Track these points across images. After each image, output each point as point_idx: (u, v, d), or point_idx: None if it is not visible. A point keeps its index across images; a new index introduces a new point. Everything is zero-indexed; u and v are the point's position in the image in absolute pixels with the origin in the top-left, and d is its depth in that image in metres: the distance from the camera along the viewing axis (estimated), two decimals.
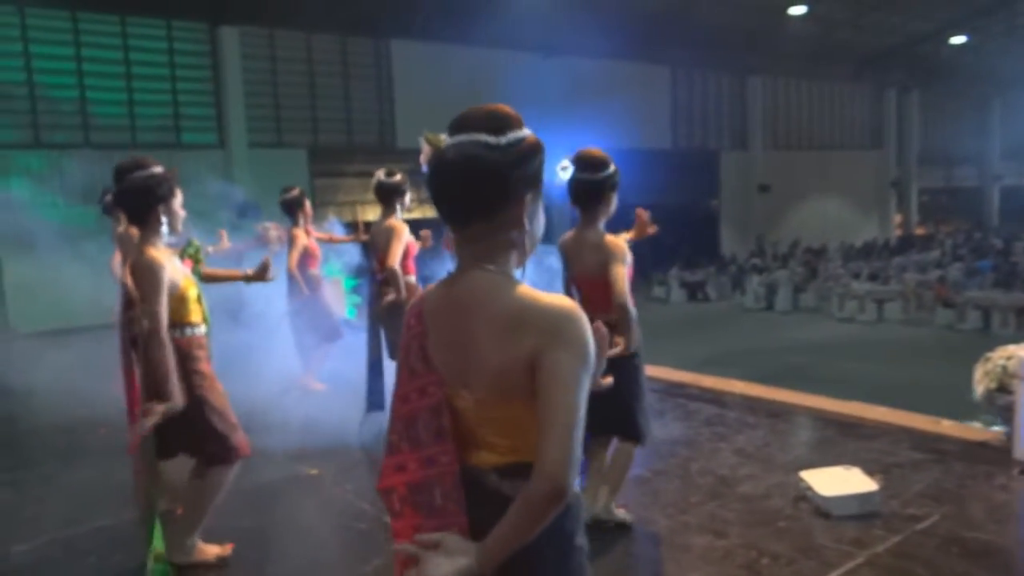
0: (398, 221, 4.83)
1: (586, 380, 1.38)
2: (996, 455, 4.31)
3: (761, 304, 19.33)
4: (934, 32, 25.71)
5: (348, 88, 17.56)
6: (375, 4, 15.98)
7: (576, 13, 17.06)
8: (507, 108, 1.48)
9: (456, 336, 1.47)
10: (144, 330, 3.01)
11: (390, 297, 4.72)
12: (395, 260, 4.72)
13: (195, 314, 3.24)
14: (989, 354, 4.53)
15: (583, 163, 3.29)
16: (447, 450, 1.48)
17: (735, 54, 23.29)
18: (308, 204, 6.27)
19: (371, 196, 19.91)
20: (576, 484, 1.48)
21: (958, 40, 26.29)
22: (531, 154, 1.46)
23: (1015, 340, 14.52)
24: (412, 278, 4.91)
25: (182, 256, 3.52)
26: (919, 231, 31.96)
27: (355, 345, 6.54)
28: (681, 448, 4.70)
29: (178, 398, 3.04)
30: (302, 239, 6.13)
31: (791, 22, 21.81)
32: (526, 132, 1.47)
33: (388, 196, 4.84)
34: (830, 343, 15.19)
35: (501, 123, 1.44)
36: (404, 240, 4.76)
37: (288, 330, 6.40)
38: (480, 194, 1.43)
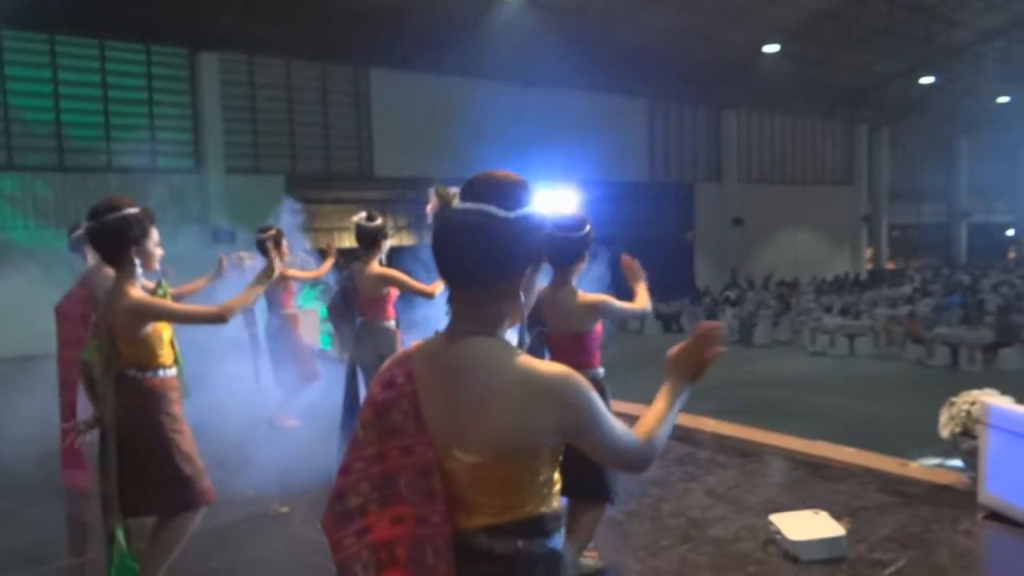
0: (385, 268, 4.79)
1: (607, 417, 1.49)
2: (961, 499, 4.37)
3: (735, 337, 19.50)
4: (904, 71, 26.37)
5: (327, 115, 17.62)
6: (354, 32, 16.09)
7: (555, 45, 17.28)
8: (519, 179, 1.53)
9: (450, 399, 1.49)
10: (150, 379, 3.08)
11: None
12: (428, 286, 4.65)
13: (167, 356, 3.22)
14: (954, 399, 4.60)
15: (561, 222, 3.24)
16: (439, 511, 1.48)
17: (711, 88, 23.74)
18: (285, 244, 6.25)
19: (348, 224, 19.70)
20: (557, 540, 1.54)
21: (927, 80, 26.96)
22: (536, 231, 1.50)
23: (982, 377, 14.79)
24: (392, 323, 4.89)
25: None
26: (889, 266, 32.50)
27: (327, 378, 6.52)
28: (653, 488, 4.71)
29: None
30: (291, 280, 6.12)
31: (766, 59, 22.26)
32: (533, 207, 1.51)
33: (370, 240, 4.83)
34: (803, 377, 15.34)
35: (512, 196, 1.48)
36: (404, 279, 4.71)
37: (264, 364, 6.35)
38: (482, 264, 1.47)
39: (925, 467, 4.96)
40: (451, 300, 1.53)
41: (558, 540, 1.55)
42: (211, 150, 15.45)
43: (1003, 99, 29.82)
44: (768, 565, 3.66)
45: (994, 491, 4.21)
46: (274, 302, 6.14)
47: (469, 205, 1.46)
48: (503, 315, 1.53)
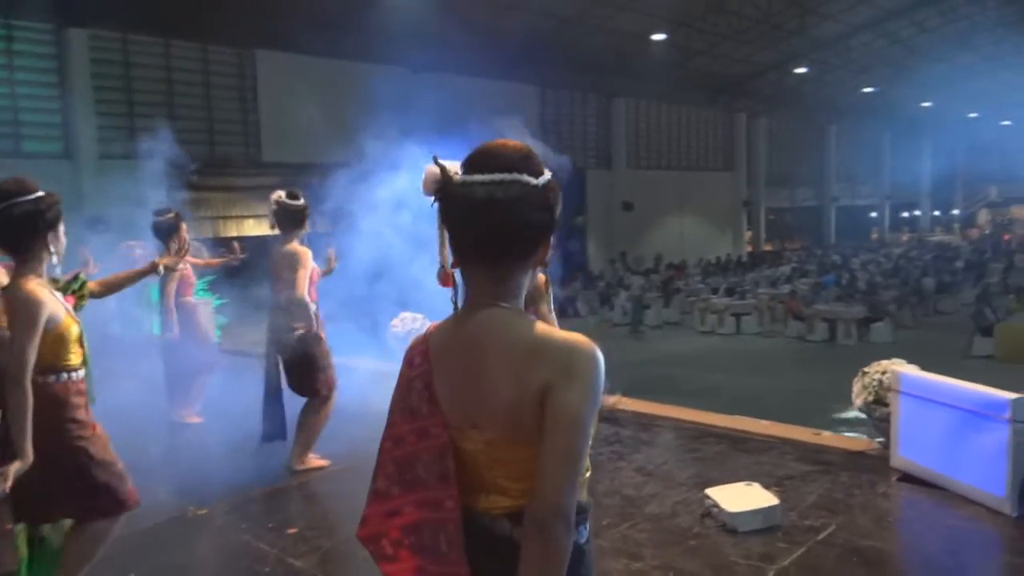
0: (301, 247, 4.61)
1: (592, 419, 1.36)
2: (875, 464, 4.59)
3: (628, 319, 19.96)
4: (779, 62, 27.61)
5: (209, 98, 16.77)
6: (238, 12, 15.35)
7: (448, 31, 17.07)
8: (528, 146, 1.46)
9: (467, 374, 1.43)
10: (6, 371, 2.68)
11: (300, 330, 4.52)
12: (304, 289, 4.53)
13: (75, 356, 2.89)
14: (866, 368, 4.82)
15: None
16: (452, 495, 1.43)
17: (601, 76, 24.09)
18: (184, 228, 5.87)
19: (235, 211, 18.87)
20: (584, 533, 1.43)
21: (800, 70, 28.33)
22: (558, 196, 1.45)
23: (857, 349, 15.68)
24: (314, 305, 4.68)
25: (64, 291, 3.14)
26: (767, 248, 34.15)
27: (228, 373, 6.21)
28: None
29: (29, 456, 2.67)
30: (188, 269, 5.77)
31: (653, 48, 22.77)
32: (549, 172, 1.45)
33: (291, 220, 4.60)
34: (694, 355, 15.89)
35: (536, 164, 1.42)
36: (310, 267, 4.57)
37: (157, 360, 5.99)
38: (523, 236, 1.40)
39: (837, 435, 5.18)
40: (469, 276, 1.45)
41: (584, 532, 1.49)
42: (83, 134, 14.40)
43: (868, 89, 31.72)
44: (707, 538, 3.71)
45: (905, 454, 4.44)
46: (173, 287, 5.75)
47: (500, 176, 1.38)
48: (523, 287, 1.47)
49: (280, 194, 4.61)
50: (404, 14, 16.63)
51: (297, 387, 4.74)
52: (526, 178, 1.38)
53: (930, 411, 4.26)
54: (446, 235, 1.44)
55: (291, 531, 3.96)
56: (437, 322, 1.54)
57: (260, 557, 3.65)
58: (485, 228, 1.38)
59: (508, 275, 1.44)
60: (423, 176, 1.47)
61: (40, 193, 2.75)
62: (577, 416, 1.33)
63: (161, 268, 3.49)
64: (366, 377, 6.99)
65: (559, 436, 1.32)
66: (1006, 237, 36.74)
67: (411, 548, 1.48)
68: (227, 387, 6.17)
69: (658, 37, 22.29)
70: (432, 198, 1.44)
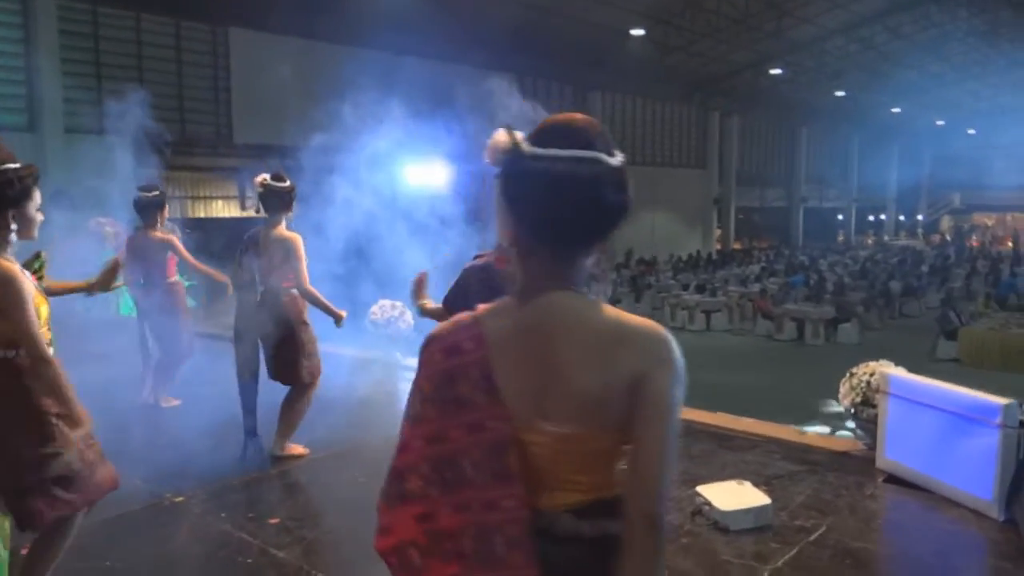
0: (293, 233, 4.49)
1: (681, 406, 1.33)
2: (861, 465, 4.59)
3: None
4: (755, 63, 27.79)
5: (181, 75, 16.39)
6: None
7: (428, 16, 16.86)
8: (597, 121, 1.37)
9: (536, 363, 1.32)
10: (22, 359, 2.59)
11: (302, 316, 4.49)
12: (308, 280, 4.45)
13: (44, 336, 2.76)
14: (853, 370, 4.82)
15: None
16: (513, 494, 1.31)
17: (578, 69, 24.02)
18: (167, 208, 5.72)
19: (204, 192, 18.51)
20: None
21: (775, 71, 28.55)
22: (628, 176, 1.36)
23: (825, 349, 15.80)
24: (295, 291, 4.55)
25: (27, 269, 2.97)
26: (736, 246, 34.46)
27: (200, 356, 6.06)
28: None
29: (85, 419, 2.71)
30: (178, 245, 5.59)
31: (631, 43, 22.77)
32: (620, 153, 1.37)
33: (278, 201, 4.46)
34: None
35: (610, 142, 1.34)
36: (303, 254, 4.45)
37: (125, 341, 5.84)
38: (601, 217, 1.32)
39: (821, 435, 5.18)
40: (532, 256, 1.34)
41: None
42: (48, 107, 13.99)
43: (840, 93, 32.10)
44: (699, 537, 3.67)
45: (892, 456, 4.45)
46: (157, 270, 5.57)
47: (580, 152, 1.29)
48: (585, 272, 1.37)
49: (265, 177, 4.46)
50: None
51: (281, 375, 4.60)
52: (604, 156, 1.31)
53: (918, 414, 4.27)
54: (506, 211, 1.34)
55: (273, 521, 3.84)
56: (488, 305, 1.42)
57: (242, 548, 3.53)
58: (563, 207, 1.28)
59: (577, 258, 1.35)
60: (489, 144, 1.38)
61: (11, 165, 2.58)
62: (672, 404, 1.30)
63: (117, 283, 3.33)
64: (345, 364, 6.89)
65: (658, 425, 1.29)
66: (975, 243, 37.53)
67: (444, 556, 1.35)
68: (200, 370, 6.02)
69: (636, 32, 22.29)
70: (497, 168, 1.35)
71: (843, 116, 36.60)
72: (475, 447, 1.33)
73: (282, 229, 4.48)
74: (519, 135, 1.32)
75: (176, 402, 5.73)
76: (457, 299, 2.82)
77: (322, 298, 4.51)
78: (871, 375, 4.66)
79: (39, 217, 2.77)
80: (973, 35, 27.10)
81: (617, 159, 1.33)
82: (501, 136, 1.32)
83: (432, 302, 3.05)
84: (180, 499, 4.09)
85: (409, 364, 6.68)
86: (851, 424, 4.91)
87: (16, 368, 2.66)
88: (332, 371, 5.31)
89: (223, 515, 3.90)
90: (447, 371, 1.36)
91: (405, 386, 6.75)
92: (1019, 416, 3.82)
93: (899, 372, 4.56)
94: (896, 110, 36.50)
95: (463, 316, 1.42)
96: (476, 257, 3.03)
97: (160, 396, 5.69)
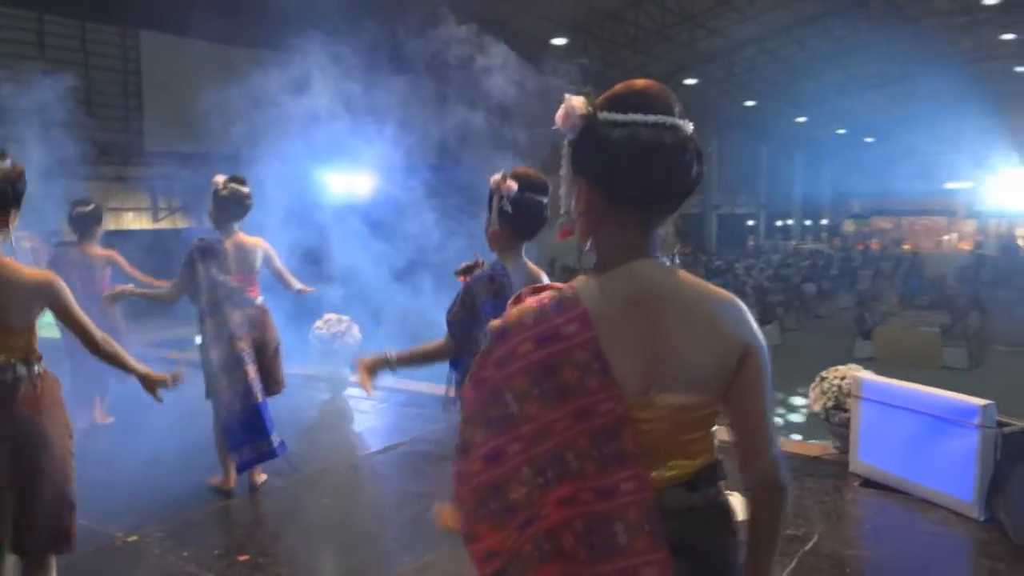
0: (258, 238, 4.27)
1: None
2: (834, 469, 4.61)
3: None
4: (671, 73, 28.36)
5: (89, 80, 15.53)
6: None
7: (352, 23, 16.49)
8: None
9: (645, 334, 1.27)
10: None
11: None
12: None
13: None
14: (824, 374, 4.85)
15: (533, 183, 2.72)
16: (633, 475, 1.23)
17: None
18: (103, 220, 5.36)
19: (114, 203, 17.63)
20: None
21: (690, 81, 29.24)
22: None
23: None
24: (260, 299, 4.27)
25: None
26: None
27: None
28: None
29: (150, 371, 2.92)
30: (121, 260, 5.23)
31: (553, 52, 22.89)
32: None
33: (240, 209, 4.15)
34: None
35: (680, 108, 1.33)
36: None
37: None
38: (685, 185, 1.31)
39: (791, 440, 5.20)
40: (612, 225, 1.31)
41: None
42: None
43: (749, 103, 33.16)
44: None
45: (865, 459, 4.49)
46: (96, 287, 5.17)
47: (663, 119, 1.27)
48: (660, 240, 1.36)
49: (222, 178, 4.10)
50: (298, 3, 15.96)
51: (269, 385, 4.30)
52: (682, 123, 1.30)
53: (893, 416, 4.31)
54: (580, 178, 1.33)
55: (242, 558, 3.55)
56: (577, 281, 1.35)
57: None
58: (651, 174, 1.27)
59: (657, 226, 1.35)
60: (561, 109, 1.29)
61: (7, 163, 2.42)
62: (769, 370, 1.35)
63: None
64: (289, 383, 6.53)
65: (764, 391, 1.33)
66: (876, 246, 39.31)
67: (542, 557, 1.25)
68: (136, 392, 5.59)
69: (559, 42, 22.46)
70: (569, 135, 1.30)
71: (752, 125, 37.83)
72: (582, 436, 1.24)
73: (245, 236, 4.22)
74: (595, 100, 1.28)
75: (111, 418, 5.47)
76: (465, 322, 2.60)
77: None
78: (842, 379, 4.70)
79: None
80: (871, 48, 28.42)
81: (691, 126, 1.31)
82: (576, 101, 1.26)
83: (392, 352, 2.70)
84: (133, 538, 3.74)
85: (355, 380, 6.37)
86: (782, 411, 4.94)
87: (54, 381, 2.64)
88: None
89: (185, 554, 3.58)
90: (543, 361, 1.25)
91: (356, 404, 6.51)
92: (996, 416, 3.90)
93: (870, 375, 4.61)
94: (801, 119, 37.98)
95: (540, 299, 1.32)
96: (467, 268, 2.84)
97: (97, 415, 5.37)
